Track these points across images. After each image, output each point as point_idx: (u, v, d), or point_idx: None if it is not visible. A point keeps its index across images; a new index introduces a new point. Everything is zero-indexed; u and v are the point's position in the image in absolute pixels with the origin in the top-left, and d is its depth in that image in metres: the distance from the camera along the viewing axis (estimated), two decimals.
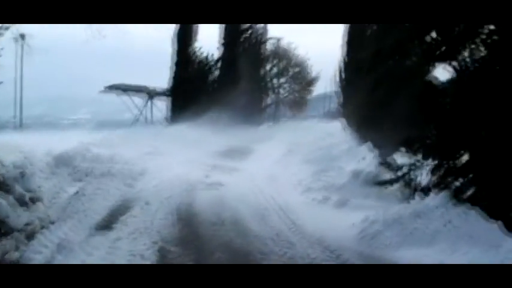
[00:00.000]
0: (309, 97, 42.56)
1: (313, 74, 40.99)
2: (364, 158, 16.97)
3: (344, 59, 27.95)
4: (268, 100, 37.71)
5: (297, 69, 40.83)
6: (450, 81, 9.33)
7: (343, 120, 26.55)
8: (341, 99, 28.58)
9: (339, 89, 29.33)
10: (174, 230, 8.56)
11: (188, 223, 9.16)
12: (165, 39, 33.24)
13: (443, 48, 9.57)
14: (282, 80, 40.28)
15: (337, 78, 28.91)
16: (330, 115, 38.53)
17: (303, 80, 41.06)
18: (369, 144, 17.96)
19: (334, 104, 43.00)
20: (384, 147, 17.19)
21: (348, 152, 18.27)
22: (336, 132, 24.45)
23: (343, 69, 28.29)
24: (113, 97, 34.94)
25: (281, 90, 40.41)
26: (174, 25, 31.82)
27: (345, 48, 27.77)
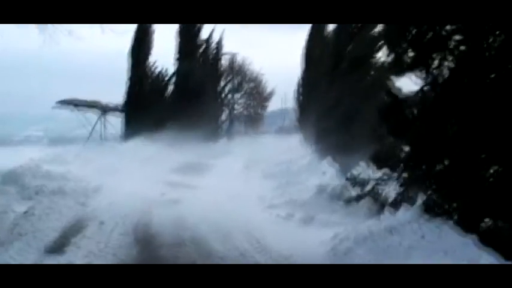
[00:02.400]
0: (264, 113, 42.44)
1: (268, 89, 40.95)
2: (325, 172, 16.76)
3: (302, 75, 28.03)
4: (223, 116, 37.28)
5: (252, 85, 40.73)
6: (419, 92, 9.03)
7: (301, 135, 26.52)
8: (298, 115, 28.60)
9: (296, 105, 29.41)
10: (132, 252, 7.97)
11: (147, 244, 8.55)
12: (120, 53, 32.43)
13: (411, 58, 9.26)
14: (237, 95, 40.07)
15: (295, 94, 29.06)
16: (285, 131, 38.56)
17: (258, 95, 40.92)
18: (329, 159, 17.77)
19: (288, 120, 43.29)
20: (344, 162, 17.08)
21: (308, 167, 18.05)
22: (293, 148, 24.36)
23: (300, 84, 28.36)
24: (66, 114, 33.96)
25: (236, 106, 40.11)
26: (129, 39, 31.18)
27: (303, 64, 27.89)
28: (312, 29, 27.41)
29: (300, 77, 28.25)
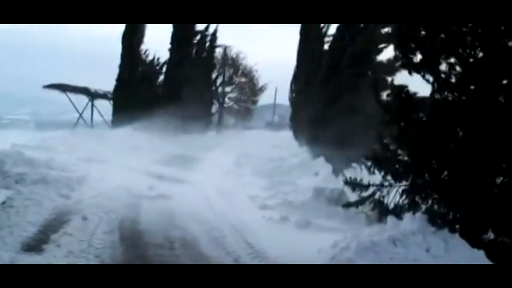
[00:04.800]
0: (254, 108, 42.04)
1: (260, 84, 40.46)
2: (317, 173, 16.27)
3: (295, 71, 27.46)
4: (213, 108, 36.73)
5: (243, 79, 40.18)
6: (430, 96, 8.57)
7: (292, 132, 26.00)
8: (291, 111, 28.04)
9: (289, 101, 28.84)
10: (116, 253, 7.36)
11: (132, 244, 7.93)
12: (110, 39, 31.97)
13: (419, 60, 8.80)
14: (228, 89, 39.50)
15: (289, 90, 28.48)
16: (274, 126, 38.16)
17: (249, 90, 40.44)
18: (322, 159, 17.28)
19: (277, 116, 42.89)
20: (337, 163, 16.61)
21: (300, 166, 17.56)
22: (283, 144, 23.85)
23: (293, 81, 27.77)
24: (55, 97, 33.45)
25: (226, 99, 39.57)
26: (121, 26, 30.63)
27: (297, 60, 27.30)
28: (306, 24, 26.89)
29: (293, 73, 27.65)
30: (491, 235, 8.36)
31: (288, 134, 26.18)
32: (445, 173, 8.49)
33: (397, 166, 9.02)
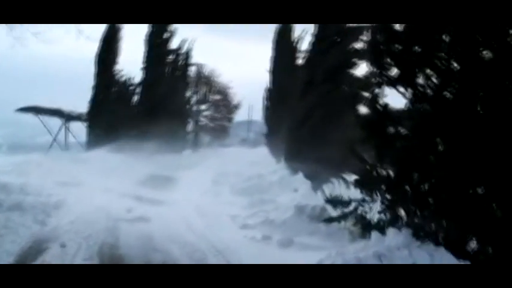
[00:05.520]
0: (229, 125, 41.95)
1: (235, 101, 40.42)
2: (297, 190, 16.21)
3: (269, 87, 27.47)
4: (189, 127, 36.56)
5: (218, 97, 40.10)
6: (406, 108, 8.56)
7: (268, 148, 25.95)
8: (266, 128, 28.00)
9: (264, 118, 28.81)
10: None
11: None
12: (84, 60, 31.65)
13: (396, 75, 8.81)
14: (203, 107, 39.38)
15: (263, 106, 28.45)
16: (249, 143, 38.07)
17: (224, 107, 40.37)
18: (300, 175, 17.24)
19: (253, 132, 42.85)
20: (316, 178, 16.59)
21: (279, 183, 17.48)
22: (260, 161, 23.73)
23: (267, 98, 27.76)
24: (27, 120, 32.88)
25: (201, 118, 39.43)
26: (95, 46, 30.38)
27: (270, 76, 27.35)
28: (279, 39, 27.04)
29: (266, 89, 27.64)
30: (475, 245, 8.35)
31: (264, 150, 26.08)
32: (426, 185, 8.47)
33: (379, 183, 8.96)
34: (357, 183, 9.16)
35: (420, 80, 8.43)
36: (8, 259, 7.71)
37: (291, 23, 26.37)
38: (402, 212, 8.53)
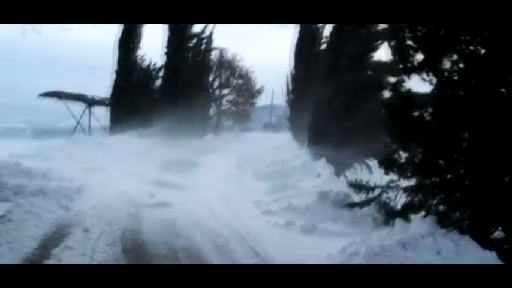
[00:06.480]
0: (251, 109, 41.78)
1: (257, 86, 40.21)
2: (320, 175, 16.10)
3: (292, 72, 27.29)
4: (211, 111, 36.50)
5: (240, 81, 39.93)
6: (432, 94, 8.38)
7: (290, 133, 25.83)
8: (288, 113, 27.86)
9: (286, 103, 28.66)
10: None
11: (135, 257, 7.71)
12: (106, 45, 31.69)
13: (421, 58, 8.62)
14: (225, 91, 39.25)
15: (285, 91, 28.28)
16: (272, 127, 37.92)
17: (246, 92, 40.18)
18: (323, 160, 17.10)
19: (275, 117, 42.66)
20: (339, 163, 16.45)
21: (302, 168, 17.35)
22: (282, 146, 23.62)
23: (290, 82, 27.60)
24: (51, 105, 33.04)
25: (223, 102, 39.33)
26: (116, 31, 30.36)
27: (293, 61, 27.15)
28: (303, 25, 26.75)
29: (289, 74, 27.48)
30: (500, 234, 8.20)
31: (287, 135, 25.98)
32: (453, 172, 8.32)
33: (407, 167, 8.80)
34: (381, 164, 9.00)
35: (445, 65, 8.28)
36: (32, 244, 7.72)
37: (293, 23, 26.13)
38: (427, 199, 8.42)
